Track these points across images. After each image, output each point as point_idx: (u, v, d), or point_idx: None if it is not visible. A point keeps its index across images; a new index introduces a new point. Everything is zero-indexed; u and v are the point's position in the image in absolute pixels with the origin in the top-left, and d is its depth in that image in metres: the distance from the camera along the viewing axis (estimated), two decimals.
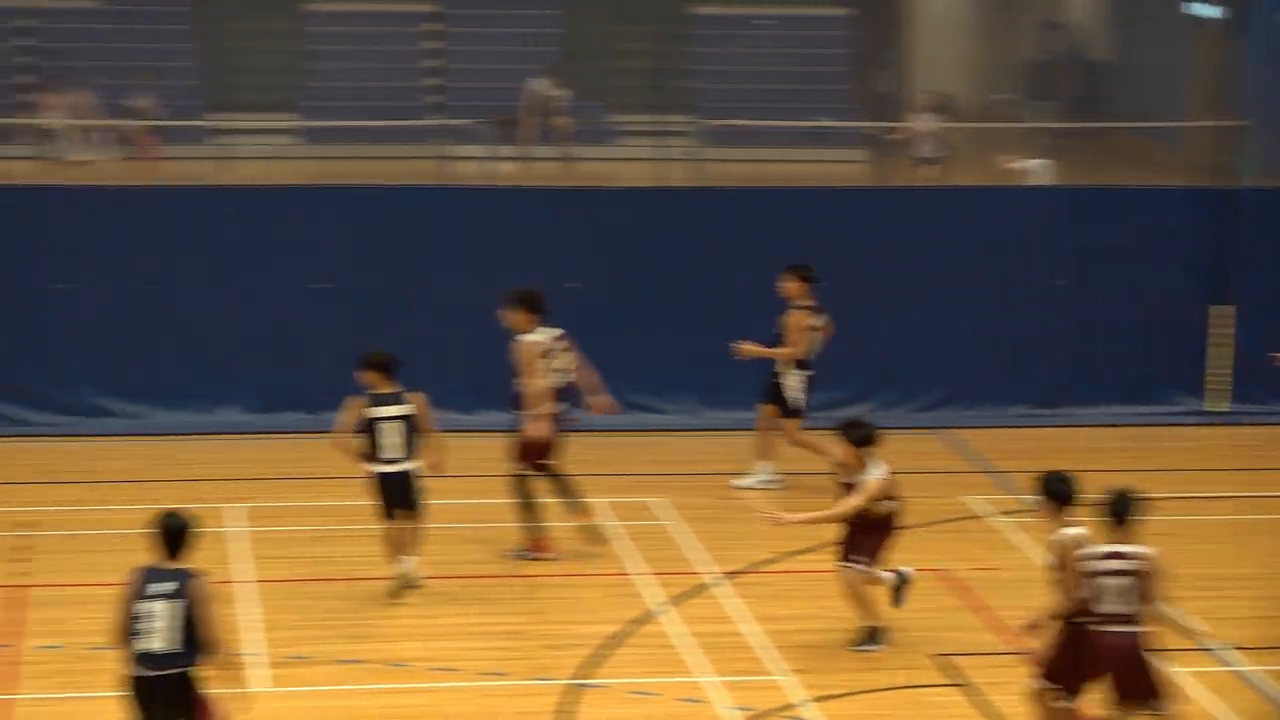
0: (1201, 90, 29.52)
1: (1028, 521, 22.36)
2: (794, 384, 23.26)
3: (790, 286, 23.42)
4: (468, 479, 22.98)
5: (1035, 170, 29.34)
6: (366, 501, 22.70)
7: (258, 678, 18.00)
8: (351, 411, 19.74)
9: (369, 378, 19.88)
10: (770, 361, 23.44)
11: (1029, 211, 27.28)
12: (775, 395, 23.53)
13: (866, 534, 18.40)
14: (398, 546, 19.93)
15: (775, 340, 23.34)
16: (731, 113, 31.44)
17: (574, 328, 25.73)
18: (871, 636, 18.67)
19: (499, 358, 25.71)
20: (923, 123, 31.54)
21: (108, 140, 30.33)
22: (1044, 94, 34.31)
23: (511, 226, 26.34)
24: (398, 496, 19.82)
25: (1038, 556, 21.13)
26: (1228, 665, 18.56)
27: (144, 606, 14.14)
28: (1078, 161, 28.74)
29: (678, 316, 26.30)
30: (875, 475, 18.15)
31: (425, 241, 26.14)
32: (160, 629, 14.09)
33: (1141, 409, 26.79)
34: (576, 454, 24.85)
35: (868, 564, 18.40)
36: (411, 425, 19.77)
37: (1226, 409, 26.84)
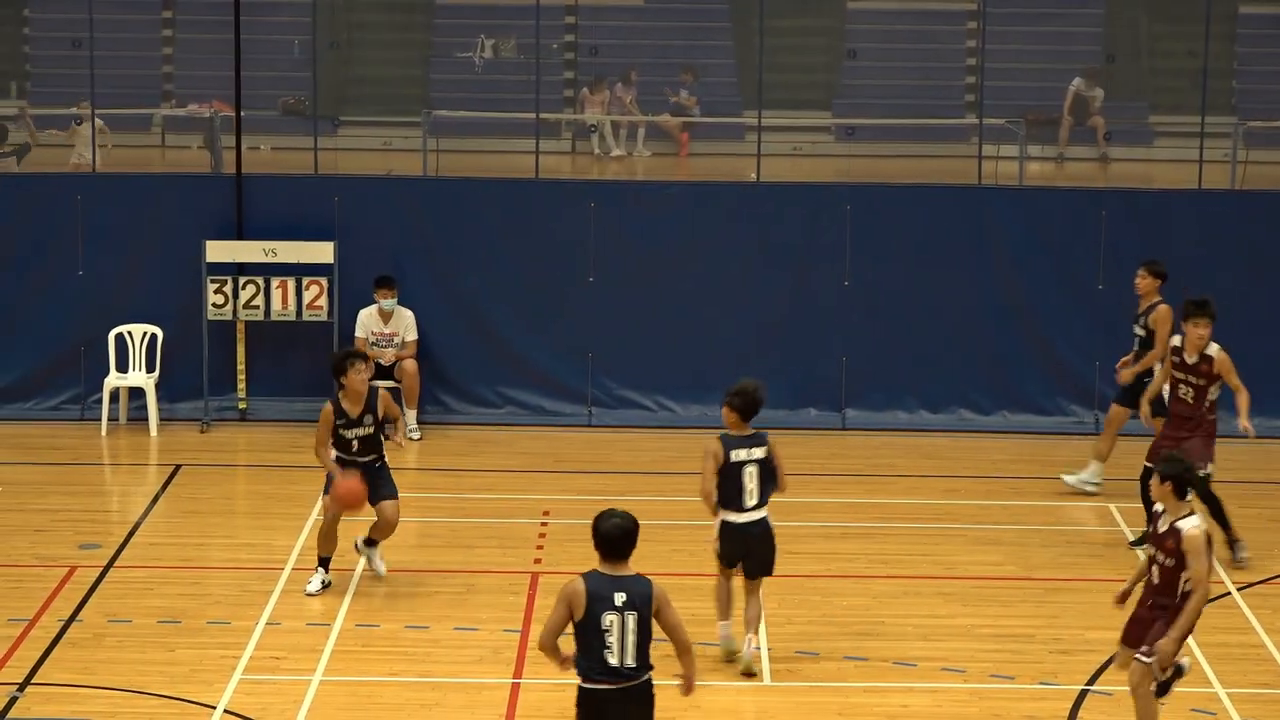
0: None
1: None
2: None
3: (1146, 283, 22.85)
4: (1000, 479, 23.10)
5: None
6: (879, 499, 22.93)
7: (761, 672, 18.31)
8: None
9: (730, 417, 18.14)
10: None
11: None
12: (1134, 395, 22.52)
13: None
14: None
15: (1141, 341, 22.84)
16: (1275, 113, 30.80)
17: (1100, 330, 25.80)
18: None
19: (1027, 353, 25.93)
20: None
21: (646, 136, 30.77)
22: None
23: (1040, 226, 26.25)
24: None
25: None
26: None
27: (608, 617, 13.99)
28: None
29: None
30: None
31: (952, 239, 26.16)
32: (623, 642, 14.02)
33: None
34: (1085, 458, 24.87)
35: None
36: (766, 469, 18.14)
37: None
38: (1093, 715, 17.49)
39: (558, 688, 17.75)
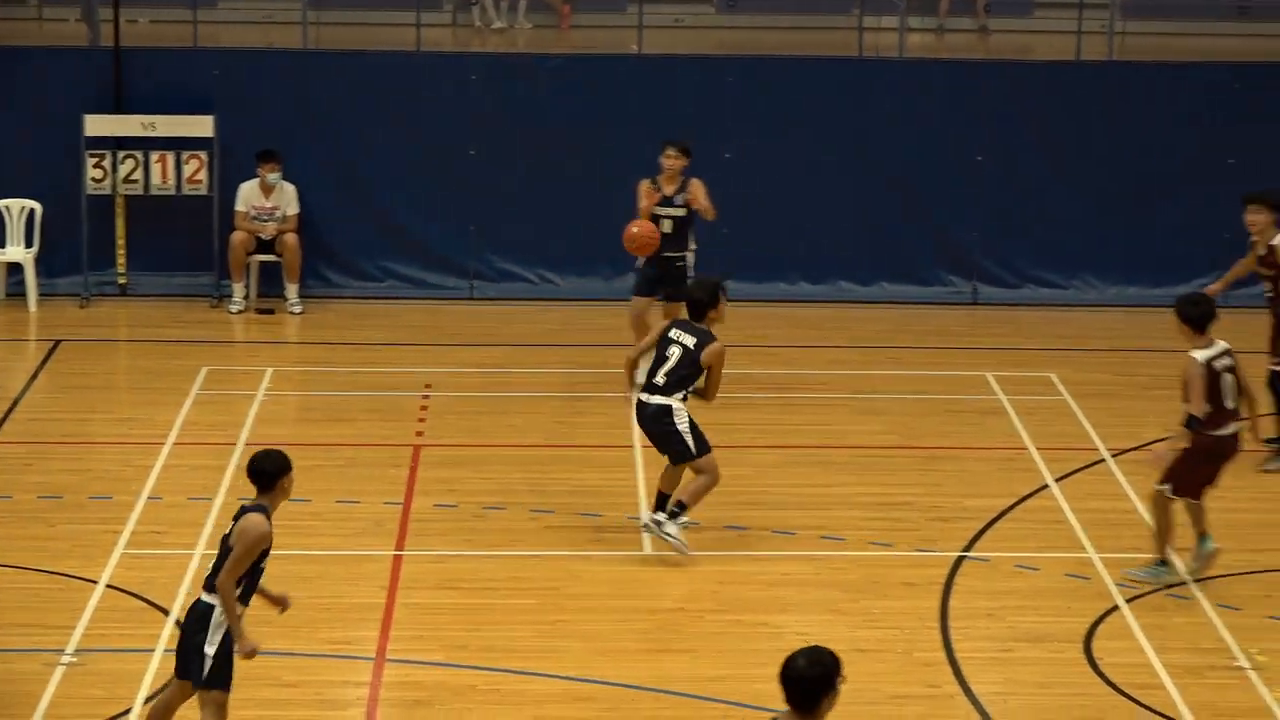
0: None
1: None
2: None
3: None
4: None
5: None
6: (761, 369, 23.07)
7: (637, 542, 18.46)
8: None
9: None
10: None
11: None
12: None
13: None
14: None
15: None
16: None
17: (978, 202, 25.98)
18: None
19: (906, 225, 26.08)
20: None
21: (528, 9, 30.67)
22: None
23: (920, 97, 26.36)
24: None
25: None
26: None
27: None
28: None
29: (1089, 191, 26.17)
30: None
31: (834, 111, 26.25)
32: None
33: None
34: (976, 327, 25.06)
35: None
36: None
37: None
38: (969, 580, 17.66)
39: (438, 559, 17.89)
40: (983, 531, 18.77)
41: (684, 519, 17.80)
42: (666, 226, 21.70)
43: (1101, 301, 26.13)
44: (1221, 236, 25.82)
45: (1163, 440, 17.22)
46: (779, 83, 26.35)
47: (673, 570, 17.81)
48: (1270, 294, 20.31)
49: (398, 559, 18.01)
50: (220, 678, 13.05)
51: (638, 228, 21.14)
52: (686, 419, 17.62)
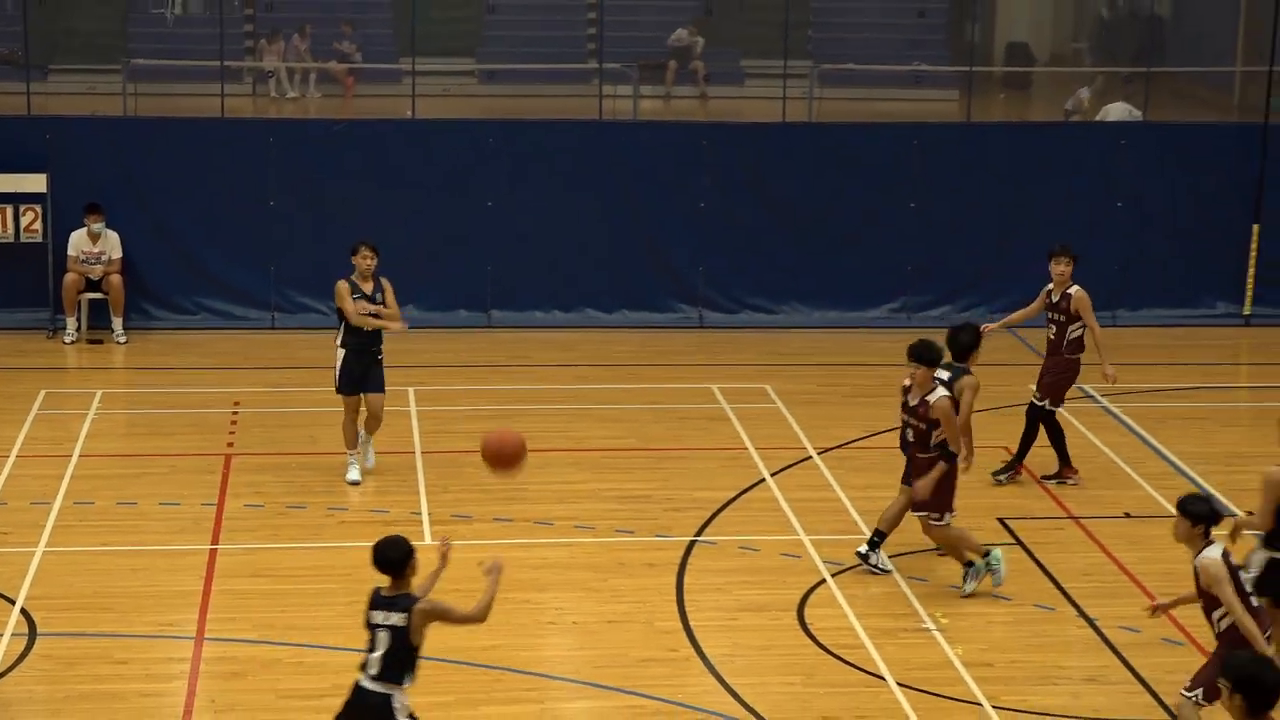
0: (1247, 40, 29.18)
1: (1081, 407, 22.45)
2: None
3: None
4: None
5: (1116, 110, 29.04)
6: (521, 385, 23.08)
7: (421, 534, 18.39)
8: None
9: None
10: None
11: (1096, 144, 27.16)
12: None
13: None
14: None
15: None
16: (844, 58, 31.29)
17: (702, 241, 26.14)
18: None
19: (642, 261, 26.15)
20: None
21: (317, 80, 30.59)
22: (1111, 45, 33.96)
23: (651, 154, 26.46)
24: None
25: (1088, 437, 21.32)
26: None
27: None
28: (1139, 102, 28.55)
29: (794, 231, 26.40)
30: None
31: (579, 168, 26.31)
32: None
33: (1186, 311, 26.70)
34: (702, 347, 25.17)
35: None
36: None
37: (1250, 311, 26.69)
38: (700, 560, 17.75)
39: (249, 551, 17.72)
40: (711, 519, 18.86)
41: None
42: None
43: (807, 324, 26.35)
44: (905, 269, 26.31)
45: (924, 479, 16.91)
46: (533, 141, 26.35)
47: (452, 555, 17.72)
48: (1053, 337, 19.97)
49: (213, 552, 17.82)
50: None
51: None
52: None
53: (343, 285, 19.38)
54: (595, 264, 26.26)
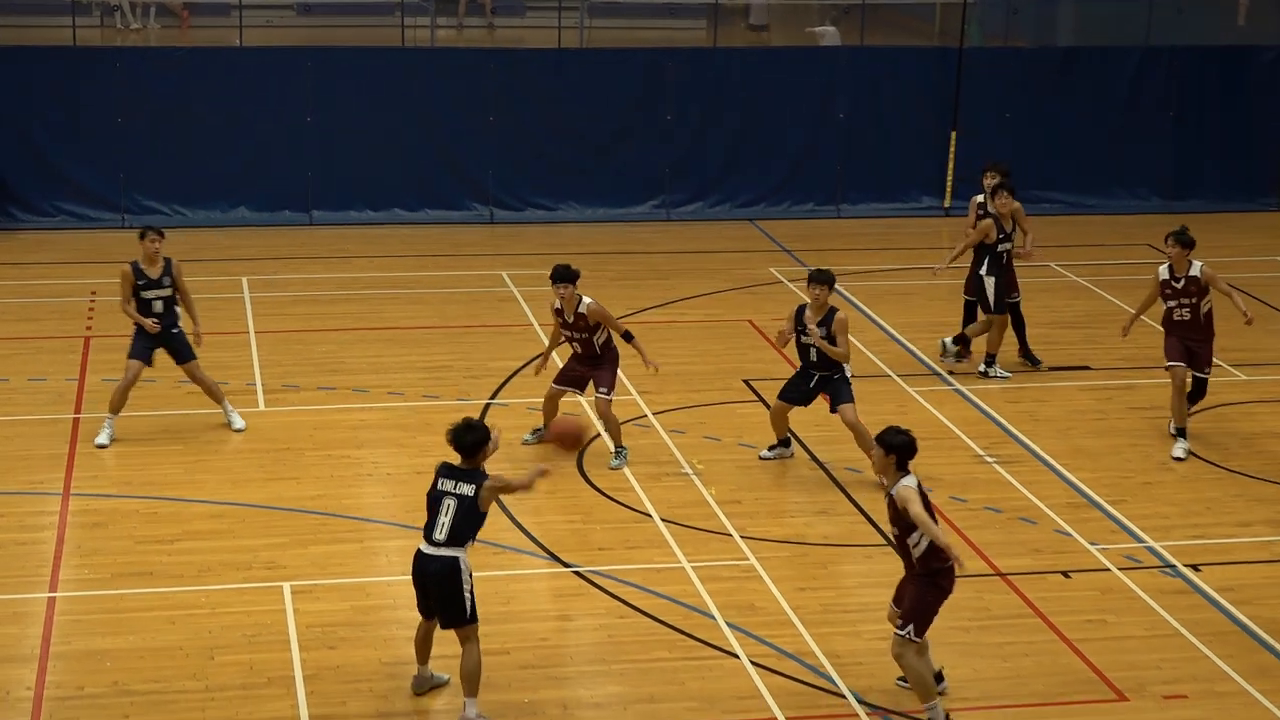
0: None
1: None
2: None
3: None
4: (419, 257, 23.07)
5: (830, 35, 29.23)
6: (340, 274, 22.88)
7: (255, 401, 18.22)
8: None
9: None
10: None
11: (823, 64, 27.31)
12: None
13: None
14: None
15: None
16: None
17: (492, 150, 25.98)
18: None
19: (441, 168, 25.94)
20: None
21: (156, 14, 29.91)
22: None
23: (447, 76, 26.19)
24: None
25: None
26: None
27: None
28: (856, 31, 28.77)
29: (570, 140, 26.29)
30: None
31: (385, 89, 26.00)
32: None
33: (898, 204, 27.00)
34: (493, 240, 25.05)
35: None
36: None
37: (950, 204, 27.05)
38: (495, 419, 17.68)
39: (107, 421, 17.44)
40: (503, 385, 18.85)
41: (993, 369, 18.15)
42: (158, 307, 16.93)
43: (581, 219, 26.32)
44: (663, 172, 26.33)
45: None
46: (344, 66, 25.98)
47: (281, 419, 17.62)
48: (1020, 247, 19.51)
49: (76, 420, 17.54)
50: (476, 613, 11.98)
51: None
52: None
53: (126, 271, 16.94)
54: (401, 170, 25.99)
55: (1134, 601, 14.13)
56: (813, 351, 16.34)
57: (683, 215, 26.31)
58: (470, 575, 11.90)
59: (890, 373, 19.42)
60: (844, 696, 12.58)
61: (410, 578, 12.07)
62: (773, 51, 28.85)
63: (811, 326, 16.16)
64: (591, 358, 16.69)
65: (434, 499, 11.95)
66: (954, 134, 26.77)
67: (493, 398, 18.44)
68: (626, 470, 16.45)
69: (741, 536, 15.15)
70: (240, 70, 25.71)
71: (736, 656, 13.09)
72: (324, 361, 19.48)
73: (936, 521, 11.86)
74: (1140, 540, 15.24)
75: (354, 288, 22.64)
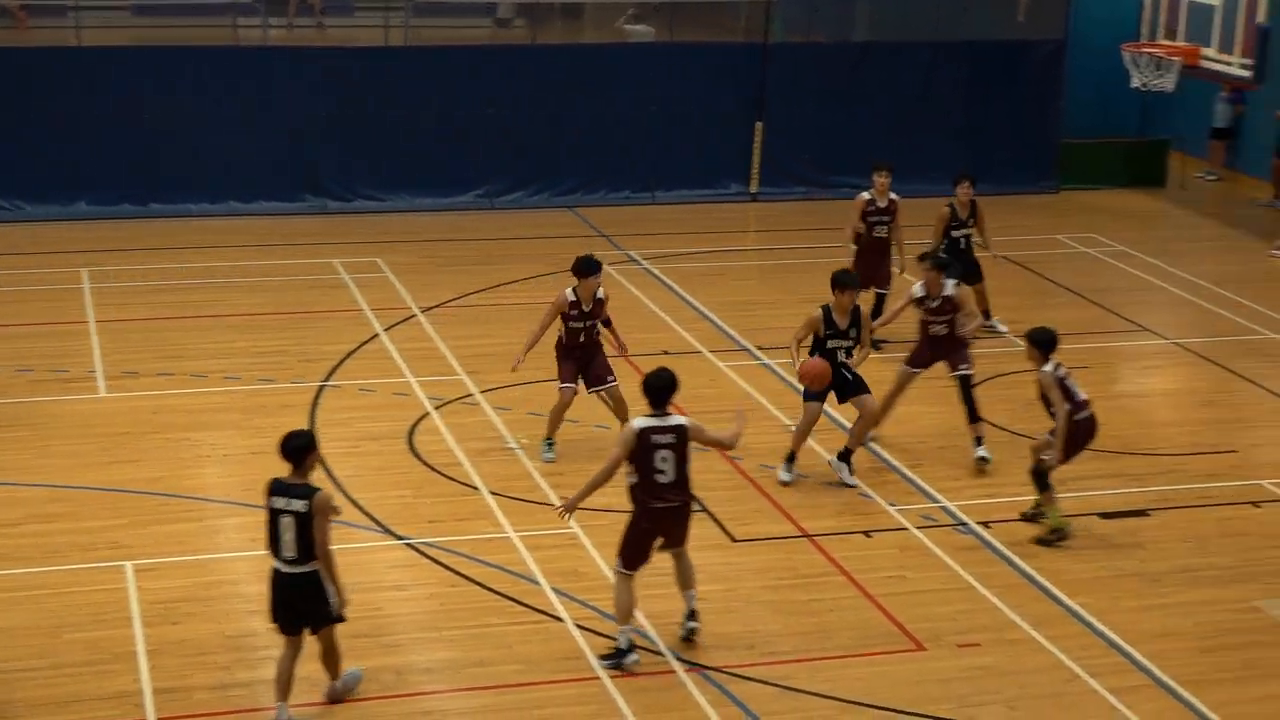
0: None
1: (627, 269, 22.71)
2: None
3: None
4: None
5: (642, 32, 29.24)
6: (178, 264, 22.50)
7: (96, 388, 17.87)
8: None
9: None
10: None
11: (636, 59, 27.31)
12: None
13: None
14: None
15: None
16: None
17: (324, 143, 25.68)
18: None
19: (275, 160, 25.56)
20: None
21: None
22: None
23: (282, 75, 25.81)
24: None
25: (634, 293, 21.58)
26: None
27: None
28: (668, 25, 28.82)
29: (399, 133, 26.02)
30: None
31: (220, 87, 25.59)
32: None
33: (708, 191, 27.06)
34: (326, 228, 24.75)
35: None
36: None
37: (757, 190, 27.17)
38: (329, 401, 17.58)
39: None
40: (336, 367, 18.66)
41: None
42: None
43: (410, 208, 26.07)
44: (485, 163, 26.16)
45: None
46: (179, 65, 25.55)
47: (121, 405, 17.30)
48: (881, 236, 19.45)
49: None
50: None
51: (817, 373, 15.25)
52: None
53: None
54: (235, 163, 25.54)
55: (930, 558, 14.31)
56: (841, 352, 15.58)
57: (505, 204, 26.20)
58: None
59: (702, 348, 19.48)
60: (663, 654, 12.61)
61: (271, 604, 11.49)
62: (588, 48, 28.77)
63: (857, 357, 15.54)
64: (591, 347, 16.17)
65: (271, 517, 11.29)
66: (759, 124, 26.89)
67: (326, 379, 18.23)
68: (456, 448, 16.35)
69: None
70: (78, 69, 25.15)
71: (561, 620, 13.08)
72: (163, 349, 19.14)
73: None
74: (935, 500, 15.44)
75: (192, 277, 22.27)
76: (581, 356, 16.19)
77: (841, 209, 26.18)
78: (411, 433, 16.72)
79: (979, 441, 16.22)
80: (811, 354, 15.45)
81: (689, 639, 12.71)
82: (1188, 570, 14.31)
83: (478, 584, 13.64)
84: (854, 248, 19.52)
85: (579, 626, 12.97)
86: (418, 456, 16.20)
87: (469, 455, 16.20)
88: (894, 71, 27.47)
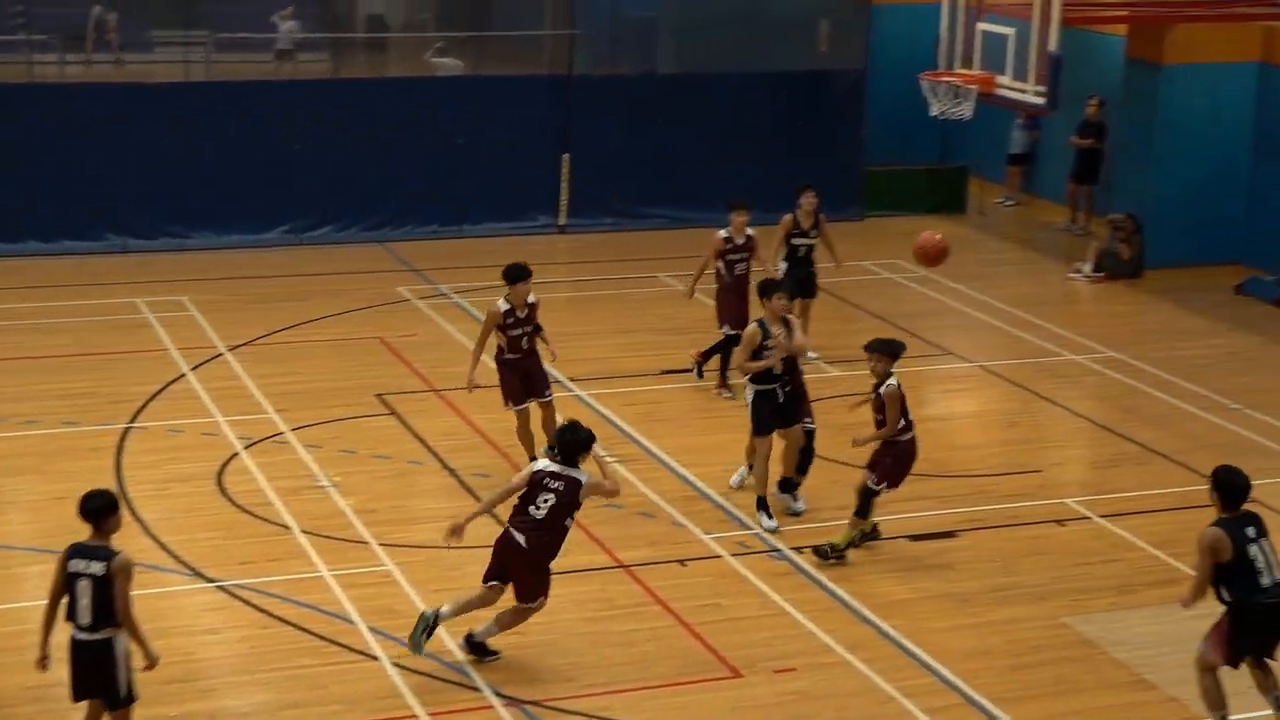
0: (552, 8, 29.58)
1: (437, 303, 22.63)
2: None
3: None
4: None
5: (449, 66, 29.16)
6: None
7: None
8: None
9: None
10: None
11: (443, 92, 27.24)
12: None
13: None
14: None
15: None
16: (239, 28, 30.47)
17: (123, 180, 25.22)
18: None
19: (71, 199, 25.07)
20: (288, 28, 30.84)
21: None
22: (448, 13, 33.95)
23: (81, 112, 25.33)
24: None
25: (444, 326, 21.50)
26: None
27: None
28: (474, 59, 28.80)
29: (204, 170, 25.64)
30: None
31: (12, 124, 25.05)
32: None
33: (517, 223, 27.03)
34: (128, 269, 24.31)
35: None
36: None
37: (565, 222, 27.22)
38: (136, 443, 17.24)
39: None
40: (142, 408, 18.33)
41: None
42: None
43: (217, 246, 25.61)
44: (291, 199, 25.85)
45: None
46: None
47: None
48: (737, 274, 19.21)
49: None
50: (134, 692, 11.00)
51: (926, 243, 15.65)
52: None
53: None
54: (35, 203, 24.96)
55: (745, 585, 14.41)
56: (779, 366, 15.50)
57: (312, 240, 25.94)
58: (127, 655, 10.91)
59: None
60: (480, 690, 12.55)
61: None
62: (394, 81, 28.65)
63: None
64: (531, 354, 16.39)
65: (69, 581, 10.76)
66: (566, 156, 26.95)
67: (132, 421, 17.89)
68: (266, 487, 16.13)
69: (379, 544, 15.01)
70: None
71: (377, 659, 12.96)
72: None
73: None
74: (749, 528, 15.55)
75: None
76: (523, 367, 16.38)
77: (648, 239, 26.52)
78: (221, 473, 16.48)
79: (791, 492, 16.16)
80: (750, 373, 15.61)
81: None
82: (997, 589, 14.57)
83: (292, 625, 13.47)
84: (701, 284, 19.50)
85: (396, 665, 12.86)
86: (228, 497, 15.96)
87: (280, 494, 16.00)
88: (699, 103, 27.71)
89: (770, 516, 15.59)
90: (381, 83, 28.64)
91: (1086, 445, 18.54)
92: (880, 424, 14.61)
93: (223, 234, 25.84)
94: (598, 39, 28.67)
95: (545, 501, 12.48)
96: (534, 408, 16.63)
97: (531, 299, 16.35)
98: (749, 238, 19.37)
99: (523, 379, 16.44)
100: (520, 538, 12.54)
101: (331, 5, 33.58)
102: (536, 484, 12.54)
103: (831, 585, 14.44)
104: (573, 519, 12.66)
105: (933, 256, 15.98)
